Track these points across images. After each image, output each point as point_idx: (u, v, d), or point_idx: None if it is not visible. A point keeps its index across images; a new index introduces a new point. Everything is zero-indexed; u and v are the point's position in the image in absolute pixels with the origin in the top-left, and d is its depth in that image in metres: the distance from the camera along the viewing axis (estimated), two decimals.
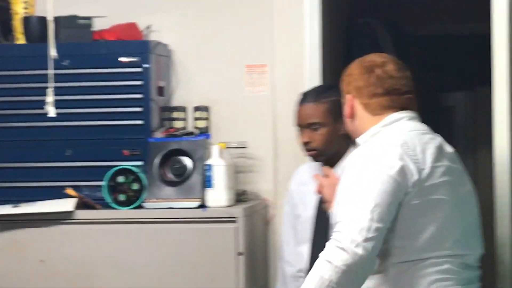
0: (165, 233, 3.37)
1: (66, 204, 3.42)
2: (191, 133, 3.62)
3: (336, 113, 2.91)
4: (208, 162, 3.44)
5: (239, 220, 3.32)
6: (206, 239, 3.33)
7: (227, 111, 3.78)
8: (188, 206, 3.40)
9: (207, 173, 3.42)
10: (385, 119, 2.45)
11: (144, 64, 3.54)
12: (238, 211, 3.35)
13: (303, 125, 3.04)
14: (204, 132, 3.68)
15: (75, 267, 3.40)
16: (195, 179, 3.43)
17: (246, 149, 3.68)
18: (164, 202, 3.42)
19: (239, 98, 3.79)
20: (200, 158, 3.45)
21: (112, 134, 3.57)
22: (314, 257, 2.63)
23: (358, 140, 2.49)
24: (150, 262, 3.36)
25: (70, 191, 3.48)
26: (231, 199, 3.46)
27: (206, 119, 3.76)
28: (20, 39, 3.67)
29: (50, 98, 2.91)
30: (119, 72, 3.55)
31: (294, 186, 3.20)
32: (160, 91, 3.68)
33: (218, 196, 3.42)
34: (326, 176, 2.78)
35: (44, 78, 3.30)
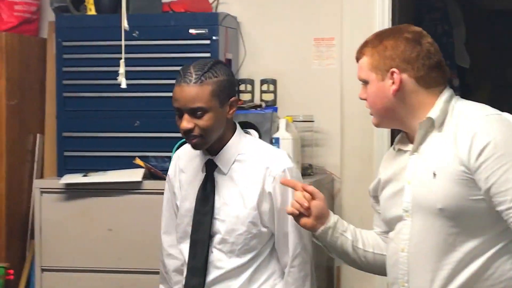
0: None
1: (134, 174, 3.45)
2: (258, 106, 3.61)
3: (221, 96, 2.50)
4: (275, 135, 3.44)
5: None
6: None
7: (294, 84, 3.78)
8: None
9: (274, 146, 3.39)
10: (444, 93, 2.26)
11: (212, 36, 3.53)
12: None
13: (185, 110, 2.49)
14: (271, 105, 3.69)
15: (141, 236, 3.43)
16: None
17: (313, 123, 3.67)
18: None
19: (307, 71, 3.79)
20: (267, 131, 3.45)
21: None
22: (194, 256, 2.56)
23: (430, 114, 2.23)
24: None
25: (138, 161, 3.51)
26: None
27: (273, 92, 3.77)
28: (91, 10, 3.69)
29: (122, 69, 2.91)
30: (188, 44, 3.55)
31: (173, 174, 2.72)
32: (228, 63, 3.68)
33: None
34: (301, 190, 2.43)
35: (114, 49, 3.34)
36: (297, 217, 2.41)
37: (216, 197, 2.57)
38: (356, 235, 2.45)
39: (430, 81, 2.24)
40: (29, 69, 3.82)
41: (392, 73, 2.22)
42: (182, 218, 2.65)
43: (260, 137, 3.38)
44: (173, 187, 2.70)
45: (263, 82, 3.77)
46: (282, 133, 3.44)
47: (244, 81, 3.76)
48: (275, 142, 3.42)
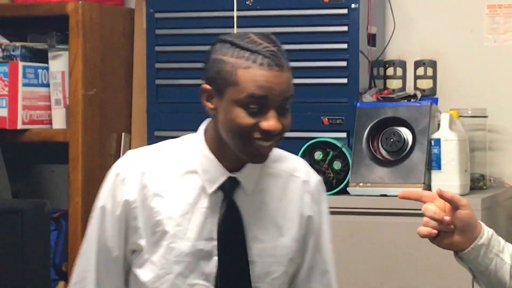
0: (375, 227, 3.35)
1: None
2: (411, 96, 3.58)
3: None
4: (435, 135, 3.40)
5: (476, 213, 3.21)
6: None
7: (460, 67, 3.78)
8: None
9: (434, 150, 3.38)
10: None
11: (351, 4, 3.52)
12: (474, 201, 3.25)
13: (276, 103, 2.37)
14: (430, 95, 3.67)
15: None
16: (417, 157, 3.40)
17: (486, 119, 3.63)
18: (375, 187, 3.41)
19: (477, 50, 3.78)
20: (423, 129, 3.42)
21: (307, 96, 3.55)
22: None
23: None
24: (358, 261, 3.35)
25: None
26: (465, 185, 3.42)
27: (432, 77, 3.74)
28: None
29: None
30: (319, 15, 3.56)
31: (135, 198, 2.47)
32: (372, 39, 3.65)
33: (447, 181, 3.37)
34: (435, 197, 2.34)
35: (222, 22, 3.37)
36: (435, 238, 2.30)
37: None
38: None
39: None
40: (112, 48, 3.85)
41: None
42: (169, 267, 2.44)
43: (414, 141, 3.38)
44: (134, 220, 2.45)
45: (418, 64, 3.77)
46: (444, 133, 3.39)
47: (393, 63, 3.76)
48: (435, 144, 3.38)
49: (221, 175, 2.42)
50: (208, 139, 2.45)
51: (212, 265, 2.43)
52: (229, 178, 2.42)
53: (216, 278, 2.44)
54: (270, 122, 2.33)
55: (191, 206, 2.43)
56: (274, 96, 2.33)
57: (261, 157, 2.38)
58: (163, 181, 2.44)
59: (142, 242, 2.44)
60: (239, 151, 2.37)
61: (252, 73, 2.32)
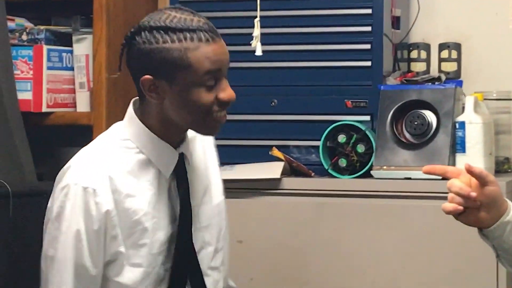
0: (400, 210, 3.35)
1: (271, 170, 3.46)
2: (436, 79, 3.56)
3: None
4: (459, 118, 3.40)
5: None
6: (457, 222, 3.22)
7: (485, 50, 3.77)
8: (432, 177, 3.30)
9: (458, 133, 3.38)
10: None
11: None
12: (500, 184, 3.15)
13: (224, 72, 2.48)
14: (454, 78, 3.66)
15: (280, 250, 3.45)
16: (441, 140, 3.39)
17: (511, 102, 3.61)
18: (399, 170, 3.40)
19: (502, 33, 3.76)
20: (448, 112, 3.41)
21: (331, 79, 3.56)
22: None
23: None
24: (379, 250, 3.36)
25: (276, 153, 3.51)
26: (490, 167, 3.40)
27: (456, 60, 3.75)
28: None
29: (257, 31, 2.89)
30: None
31: (112, 207, 2.42)
32: (396, 22, 3.65)
33: (472, 164, 3.27)
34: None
35: (246, 5, 3.37)
36: (460, 215, 2.32)
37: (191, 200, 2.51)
38: None
39: None
40: None
41: None
42: (154, 261, 2.46)
43: (438, 124, 3.40)
44: (112, 228, 2.41)
45: (442, 47, 3.75)
46: (469, 116, 3.38)
47: (417, 46, 3.75)
48: (459, 127, 3.38)
49: (173, 157, 2.47)
50: (149, 125, 2.46)
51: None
52: (180, 154, 2.48)
53: (175, 257, 2.50)
54: (227, 92, 2.45)
55: (157, 196, 2.45)
56: (224, 66, 2.44)
57: (218, 128, 2.47)
58: (128, 180, 2.44)
59: (122, 248, 2.43)
60: (197, 128, 2.45)
61: (202, 51, 2.38)
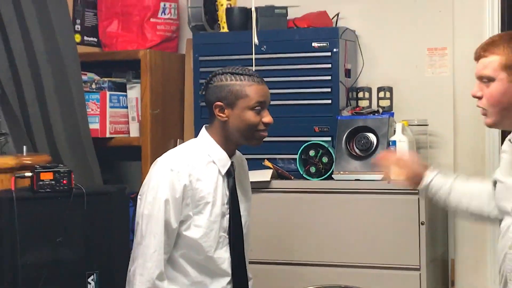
0: (352, 202, 3.33)
1: (264, 175, 3.44)
2: (375, 112, 3.54)
3: None
4: (392, 138, 3.37)
5: (420, 192, 3.22)
6: (390, 209, 3.26)
7: (409, 91, 3.69)
8: (374, 179, 3.33)
9: (391, 148, 3.34)
10: None
11: (333, 48, 3.48)
12: None
13: (268, 104, 2.59)
14: (388, 111, 3.61)
15: (272, 231, 3.41)
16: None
17: (427, 126, 3.57)
18: (351, 174, 3.37)
19: (421, 79, 3.69)
20: (384, 134, 3.38)
21: (304, 112, 3.54)
22: (236, 258, 2.58)
23: None
24: (339, 228, 3.33)
25: (267, 163, 3.50)
26: None
27: (389, 98, 3.69)
28: (224, 28, 3.71)
29: None
30: (311, 56, 3.51)
31: (187, 183, 2.50)
32: (347, 73, 3.63)
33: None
34: None
35: (245, 63, 3.35)
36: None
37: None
38: (451, 192, 2.44)
39: None
40: (170, 81, 3.85)
41: None
42: (211, 225, 2.51)
43: (377, 142, 3.37)
44: (186, 198, 2.49)
45: (380, 89, 3.69)
46: (398, 136, 3.36)
47: (362, 89, 3.70)
48: (392, 144, 3.35)
49: (228, 162, 2.55)
50: (216, 139, 2.54)
51: (226, 221, 2.53)
52: (232, 162, 2.55)
53: (228, 229, 2.54)
54: (269, 117, 2.53)
55: (216, 184, 2.53)
56: (267, 99, 2.53)
57: (261, 141, 2.56)
58: (199, 170, 2.52)
59: (191, 213, 2.50)
60: (247, 140, 2.53)
61: (255, 87, 2.50)
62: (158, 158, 2.57)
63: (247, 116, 2.49)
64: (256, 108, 2.50)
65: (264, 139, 2.58)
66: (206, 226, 2.51)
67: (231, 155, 2.57)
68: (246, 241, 2.64)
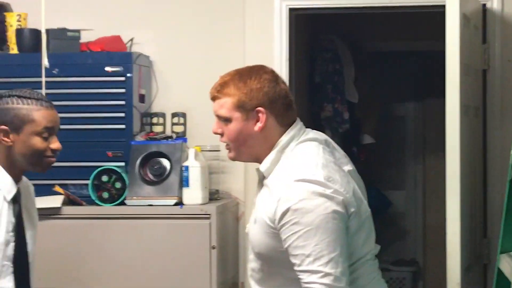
0: (145, 228, 3.35)
1: (54, 201, 3.38)
2: (169, 137, 3.59)
3: None
4: (185, 163, 3.43)
5: (212, 217, 3.32)
6: (183, 234, 3.32)
7: (202, 116, 3.72)
8: (166, 204, 3.38)
9: (184, 174, 3.41)
10: (286, 134, 2.21)
11: (127, 73, 3.52)
12: (211, 208, 3.35)
13: (57, 130, 2.53)
14: (181, 136, 3.67)
15: (62, 259, 3.36)
16: (173, 179, 3.42)
17: (219, 152, 3.64)
18: (144, 199, 3.40)
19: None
20: (177, 160, 3.44)
21: (97, 137, 3.54)
22: None
23: (261, 167, 2.23)
24: (131, 255, 3.35)
25: (58, 189, 3.45)
26: (205, 197, 3.46)
27: (183, 124, 3.74)
28: (14, 49, 3.63)
29: None
30: (104, 81, 3.52)
31: None
32: (141, 98, 3.66)
33: (193, 194, 3.42)
34: None
35: (35, 85, 3.28)
36: None
37: None
38: None
39: (286, 119, 2.24)
40: None
41: (258, 111, 2.19)
42: None
43: (171, 167, 3.41)
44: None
45: (174, 115, 3.74)
46: (191, 162, 3.43)
47: (156, 115, 3.73)
48: (185, 170, 3.42)
49: (14, 188, 2.47)
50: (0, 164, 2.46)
51: (10, 249, 2.45)
52: (18, 189, 2.48)
53: (14, 258, 2.45)
54: (57, 143, 2.47)
55: (0, 211, 2.44)
56: (56, 125, 2.47)
57: (48, 168, 2.49)
58: None
59: None
60: (32, 166, 2.45)
61: (43, 112, 2.43)
62: None
63: (34, 142, 2.42)
64: (44, 134, 2.44)
65: (53, 165, 2.51)
66: None
67: (17, 180, 2.49)
68: (32, 270, 2.56)
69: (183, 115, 3.74)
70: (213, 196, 3.59)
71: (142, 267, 3.33)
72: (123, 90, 3.52)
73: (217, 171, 3.67)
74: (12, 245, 2.45)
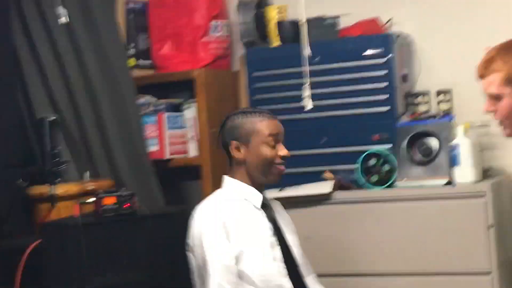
0: (416, 210, 3.30)
1: (325, 187, 3.43)
2: (435, 116, 3.53)
3: None
4: (454, 141, 3.35)
5: (487, 195, 3.19)
6: (456, 214, 3.23)
7: (469, 92, 3.53)
8: (437, 184, 3.31)
9: (453, 152, 3.32)
10: None
11: (387, 55, 3.49)
12: (486, 186, 3.22)
13: (281, 137, 2.70)
14: (448, 114, 3.58)
15: (335, 242, 3.41)
16: (442, 158, 3.35)
17: (489, 128, 3.49)
18: (414, 181, 3.36)
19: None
20: (445, 138, 3.37)
21: (362, 121, 3.54)
22: None
23: None
24: (402, 238, 3.31)
25: (327, 175, 3.51)
26: (478, 175, 3.35)
27: (448, 101, 3.64)
28: (275, 42, 3.75)
29: (307, 92, 2.96)
30: (365, 65, 3.51)
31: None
32: (404, 78, 3.62)
33: (465, 173, 3.31)
34: None
35: (298, 75, 3.40)
36: None
37: None
38: None
39: None
40: (224, 99, 3.89)
41: None
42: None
43: (440, 146, 3.35)
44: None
45: (438, 93, 3.64)
46: (461, 139, 3.34)
47: (420, 94, 3.66)
48: (455, 148, 3.32)
49: (259, 195, 2.66)
50: (239, 179, 2.66)
51: (277, 252, 2.64)
52: (263, 197, 2.67)
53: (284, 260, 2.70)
54: (285, 150, 2.62)
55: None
56: (280, 132, 2.62)
57: (279, 177, 2.63)
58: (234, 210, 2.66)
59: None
60: (265, 176, 2.60)
61: (265, 122, 2.61)
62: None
63: (262, 151, 2.59)
64: (270, 142, 2.59)
65: (281, 174, 2.64)
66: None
67: (260, 191, 2.66)
68: (306, 271, 2.71)
69: (449, 91, 3.65)
70: (486, 173, 3.47)
71: (416, 249, 3.29)
72: (384, 72, 3.49)
73: (489, 148, 3.54)
74: (277, 248, 2.58)
